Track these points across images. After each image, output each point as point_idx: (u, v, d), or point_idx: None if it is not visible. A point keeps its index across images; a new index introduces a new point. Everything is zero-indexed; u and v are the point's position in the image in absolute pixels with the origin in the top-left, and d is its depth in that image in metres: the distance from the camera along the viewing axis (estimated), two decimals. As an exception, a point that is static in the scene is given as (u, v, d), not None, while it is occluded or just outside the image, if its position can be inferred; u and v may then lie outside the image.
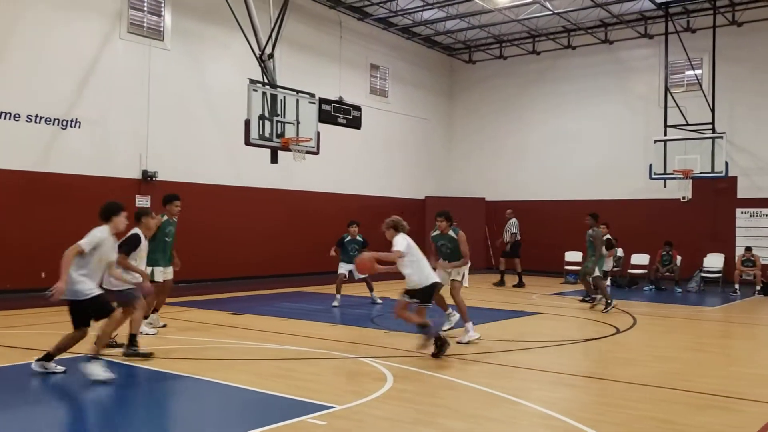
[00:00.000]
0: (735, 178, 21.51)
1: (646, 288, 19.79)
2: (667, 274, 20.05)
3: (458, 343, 9.71)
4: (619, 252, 21.36)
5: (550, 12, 21.80)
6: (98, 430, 6.18)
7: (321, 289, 17.40)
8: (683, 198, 21.91)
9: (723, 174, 20.12)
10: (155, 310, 10.71)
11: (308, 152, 14.80)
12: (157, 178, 17.34)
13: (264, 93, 14.06)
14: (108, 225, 7.72)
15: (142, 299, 8.72)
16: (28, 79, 15.29)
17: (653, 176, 21.10)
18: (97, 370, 7.24)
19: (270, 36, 14.52)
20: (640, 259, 21.59)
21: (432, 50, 27.02)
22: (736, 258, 20.16)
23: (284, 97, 14.43)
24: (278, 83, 14.65)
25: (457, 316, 10.45)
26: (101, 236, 7.55)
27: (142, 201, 17.14)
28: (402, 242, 8.82)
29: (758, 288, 18.89)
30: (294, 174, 19.96)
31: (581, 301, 15.94)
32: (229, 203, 19.11)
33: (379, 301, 14.90)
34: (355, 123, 17.91)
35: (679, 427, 6.06)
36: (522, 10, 22.18)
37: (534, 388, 7.51)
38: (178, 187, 17.74)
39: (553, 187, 25.01)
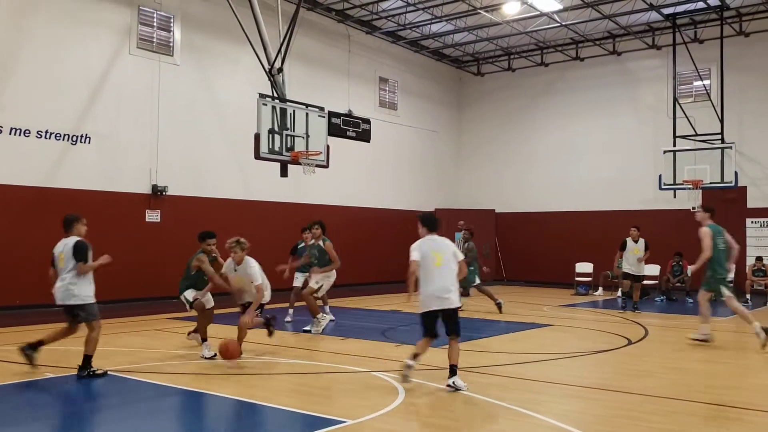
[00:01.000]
0: (744, 188, 21.44)
1: (657, 299, 19.70)
2: (678, 284, 19.96)
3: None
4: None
5: (558, 24, 21.85)
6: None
7: (331, 303, 17.37)
8: (693, 208, 21.82)
9: (732, 184, 20.07)
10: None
11: (318, 166, 14.82)
12: (167, 193, 17.41)
13: (273, 107, 14.11)
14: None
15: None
16: (39, 95, 15.41)
17: (663, 187, 21.07)
18: None
19: (279, 50, 14.59)
20: (651, 269, 21.45)
21: (440, 63, 27.09)
22: (747, 268, 20.05)
23: (294, 110, 14.48)
24: (288, 97, 14.70)
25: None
26: None
27: (152, 215, 17.23)
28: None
29: (770, 298, 18.79)
30: (304, 187, 20.00)
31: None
32: (239, 217, 19.14)
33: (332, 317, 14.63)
34: (364, 136, 17.96)
35: (693, 439, 6.03)
36: (530, 22, 22.23)
37: (546, 400, 7.48)
38: (188, 201, 17.88)
39: (563, 199, 24.97)
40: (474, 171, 27.74)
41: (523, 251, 25.62)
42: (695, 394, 7.71)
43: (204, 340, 9.89)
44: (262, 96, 14.05)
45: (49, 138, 15.53)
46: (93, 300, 8.52)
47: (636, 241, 16.81)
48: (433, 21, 22.37)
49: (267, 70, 14.67)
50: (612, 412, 7.11)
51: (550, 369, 9.34)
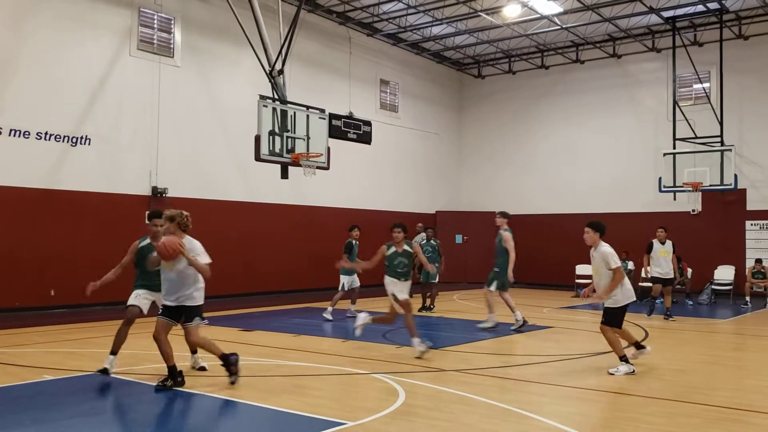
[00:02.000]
0: (744, 191, 21.47)
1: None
2: (678, 286, 19.93)
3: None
4: (630, 265, 21.30)
5: (559, 27, 21.88)
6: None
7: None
8: (693, 211, 21.93)
9: (732, 186, 20.11)
10: None
11: (318, 167, 14.84)
12: (168, 194, 17.41)
13: (274, 109, 14.12)
14: None
15: None
16: (39, 97, 15.41)
17: (663, 189, 21.11)
18: None
19: (280, 52, 14.60)
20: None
21: (441, 65, 27.11)
22: (747, 270, 20.05)
23: (294, 112, 14.50)
24: (288, 99, 14.72)
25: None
26: None
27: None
28: None
29: (770, 300, 18.77)
30: (304, 189, 20.01)
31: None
32: (239, 219, 19.16)
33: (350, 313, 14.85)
34: (365, 138, 17.96)
35: (694, 441, 6.03)
36: (531, 25, 22.26)
37: (546, 402, 7.48)
38: (189, 202, 17.85)
39: (563, 201, 24.98)
40: (475, 173, 27.75)
41: (524, 253, 25.19)
42: (696, 396, 7.70)
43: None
44: (262, 98, 14.07)
45: (49, 139, 15.52)
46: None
47: (663, 243, 15.68)
48: (433, 23, 22.39)
49: (268, 71, 14.68)
50: (613, 414, 7.11)
51: (550, 371, 9.33)
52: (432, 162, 26.75)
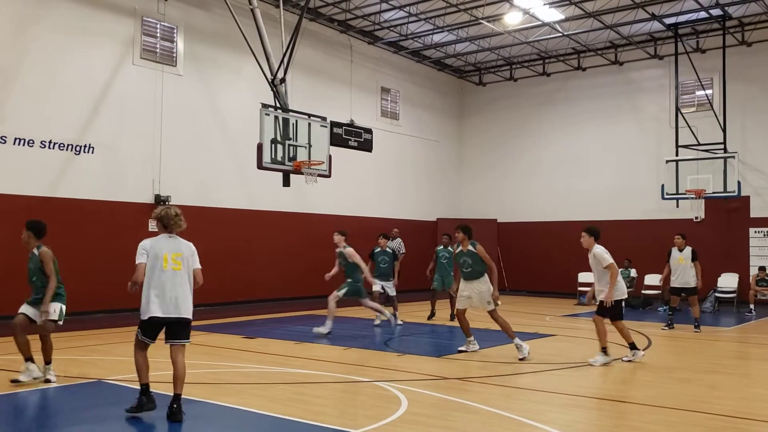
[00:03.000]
0: (748, 198, 21.42)
1: (660, 308, 19.66)
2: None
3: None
4: (633, 273, 21.29)
5: (560, 34, 21.90)
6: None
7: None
8: (696, 218, 21.89)
9: (735, 194, 20.08)
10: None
11: (320, 175, 14.86)
12: (170, 203, 17.43)
13: (276, 117, 14.15)
14: None
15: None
16: (42, 105, 15.45)
17: (665, 196, 21.09)
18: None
19: (282, 61, 14.63)
20: (654, 279, 21.46)
21: (442, 73, 27.15)
22: (751, 278, 20.01)
23: (296, 120, 14.52)
24: (290, 107, 14.75)
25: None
26: None
27: (155, 225, 17.21)
28: None
29: (774, 308, 18.71)
30: (306, 197, 20.04)
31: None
32: (241, 227, 19.18)
33: (399, 322, 14.91)
34: (366, 146, 17.99)
35: (697, 449, 6.00)
36: (532, 32, 22.28)
37: (548, 410, 7.46)
38: (191, 211, 17.84)
39: (565, 208, 24.95)
40: (476, 181, 27.75)
41: (526, 261, 25.57)
42: (699, 405, 7.67)
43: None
44: (264, 106, 14.09)
45: (53, 148, 15.56)
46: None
47: (681, 250, 14.95)
48: (434, 31, 22.43)
49: (269, 80, 14.72)
50: (615, 422, 7.09)
51: (553, 379, 9.32)
52: (433, 169, 26.76)
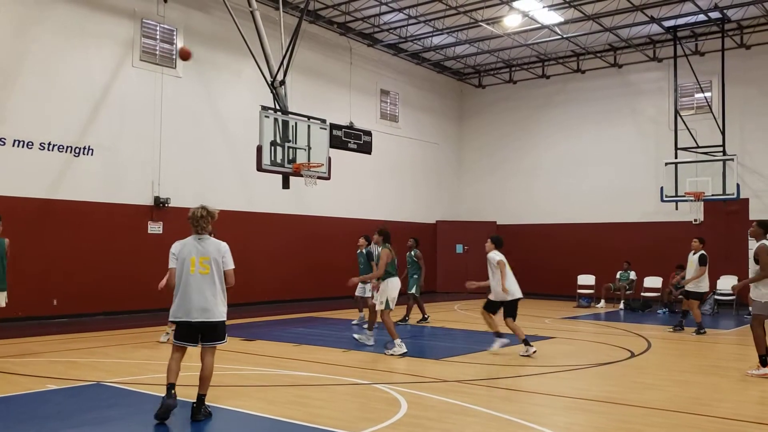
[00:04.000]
0: (747, 200, 21.43)
1: (659, 311, 19.67)
2: (681, 297, 19.87)
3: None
4: (632, 275, 21.29)
5: (560, 36, 21.92)
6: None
7: (333, 314, 17.37)
8: (695, 220, 21.92)
9: (734, 196, 20.09)
10: None
11: (320, 177, 14.84)
12: (170, 205, 17.43)
13: (276, 119, 14.14)
14: None
15: None
16: (41, 107, 15.45)
17: (664, 199, 21.09)
18: None
19: (281, 63, 14.63)
20: (653, 282, 21.48)
21: (442, 75, 27.17)
22: (750, 280, 19.98)
23: (296, 123, 14.51)
24: (290, 109, 14.74)
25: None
26: None
27: (155, 227, 17.24)
28: None
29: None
30: (306, 199, 20.04)
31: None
32: (241, 229, 19.14)
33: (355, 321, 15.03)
34: (365, 148, 17.96)
35: (697, 452, 6.00)
36: (531, 34, 22.31)
37: (548, 413, 7.46)
38: (191, 213, 17.86)
39: (564, 211, 24.97)
40: (475, 183, 27.76)
41: (525, 263, 25.34)
42: (699, 407, 7.67)
43: None
44: (264, 108, 14.08)
45: (52, 150, 15.56)
46: None
47: (695, 253, 15.04)
48: (434, 33, 22.46)
49: (269, 82, 14.71)
50: (615, 425, 7.08)
51: (553, 381, 9.31)
52: (432, 172, 26.77)
